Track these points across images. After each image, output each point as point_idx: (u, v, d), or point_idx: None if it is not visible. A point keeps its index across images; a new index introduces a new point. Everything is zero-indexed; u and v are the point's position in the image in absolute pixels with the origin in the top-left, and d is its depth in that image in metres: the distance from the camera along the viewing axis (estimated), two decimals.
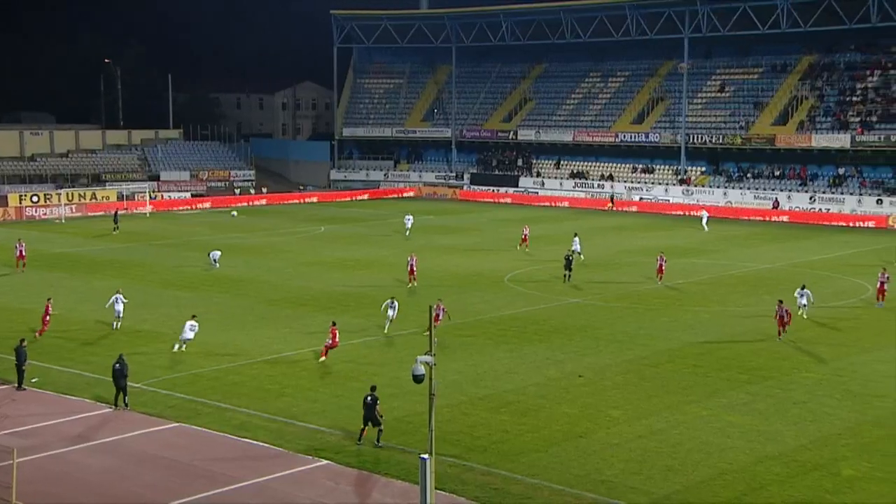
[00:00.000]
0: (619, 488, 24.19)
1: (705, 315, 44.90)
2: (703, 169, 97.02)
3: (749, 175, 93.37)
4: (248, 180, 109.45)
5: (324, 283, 52.56)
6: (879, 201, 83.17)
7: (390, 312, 40.31)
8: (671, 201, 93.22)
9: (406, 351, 37.02)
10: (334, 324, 36.65)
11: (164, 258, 61.51)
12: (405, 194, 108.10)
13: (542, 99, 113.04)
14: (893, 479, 24.68)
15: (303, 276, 55.20)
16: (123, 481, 24.92)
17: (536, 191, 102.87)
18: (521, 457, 26.48)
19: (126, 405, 30.36)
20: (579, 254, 58.19)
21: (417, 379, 17.35)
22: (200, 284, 52.21)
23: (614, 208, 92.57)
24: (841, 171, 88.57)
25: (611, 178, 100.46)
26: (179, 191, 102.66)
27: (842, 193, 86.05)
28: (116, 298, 41.18)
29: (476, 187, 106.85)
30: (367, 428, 27.01)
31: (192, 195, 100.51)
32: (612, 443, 27.52)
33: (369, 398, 26.91)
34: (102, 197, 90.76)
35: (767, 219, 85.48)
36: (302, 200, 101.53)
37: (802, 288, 43.66)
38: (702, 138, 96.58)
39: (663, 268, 52.03)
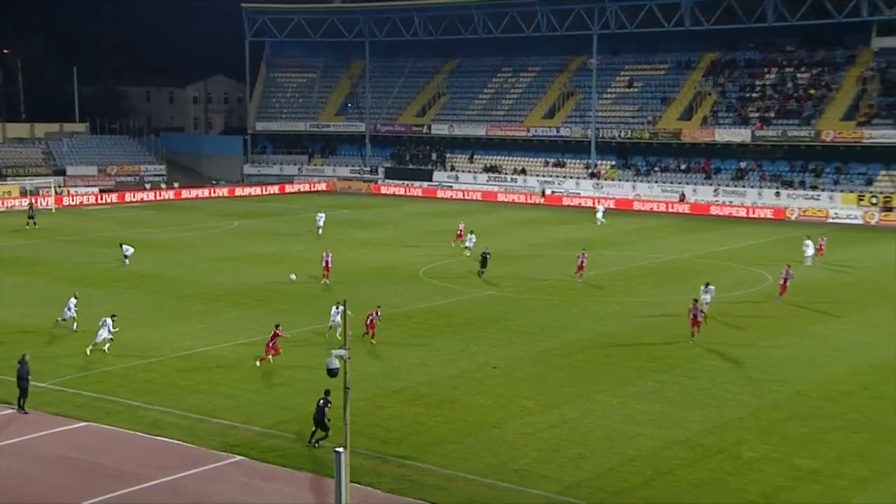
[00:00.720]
0: (532, 477, 24.48)
1: (615, 306, 45.64)
2: (613, 163, 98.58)
3: (657, 169, 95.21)
4: (158, 175, 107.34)
5: (237, 279, 51.90)
6: (777, 194, 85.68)
7: (335, 318, 38.14)
8: (582, 194, 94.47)
9: (321, 347, 36.80)
10: (277, 326, 35.11)
11: (72, 255, 59.96)
12: (318, 188, 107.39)
13: (455, 94, 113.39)
14: (789, 460, 25.50)
15: (216, 271, 54.42)
16: (31, 483, 24.26)
17: (450, 185, 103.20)
18: (436, 448, 26.59)
19: (23, 408, 29.36)
20: (467, 248, 58.62)
21: (332, 373, 17.26)
22: (110, 281, 51.04)
23: (544, 202, 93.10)
24: (742, 164, 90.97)
25: (523, 171, 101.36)
26: (87, 186, 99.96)
27: (743, 186, 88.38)
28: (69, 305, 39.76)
29: (390, 181, 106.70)
30: (325, 433, 26.33)
31: (101, 190, 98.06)
32: (526, 432, 27.81)
33: (321, 401, 26.32)
34: (4, 192, 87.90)
35: (674, 211, 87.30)
36: (214, 195, 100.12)
37: (707, 285, 43.22)
38: (611, 133, 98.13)
39: (584, 265, 51.71)
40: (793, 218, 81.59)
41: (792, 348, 37.32)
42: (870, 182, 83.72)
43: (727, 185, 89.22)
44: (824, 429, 28.03)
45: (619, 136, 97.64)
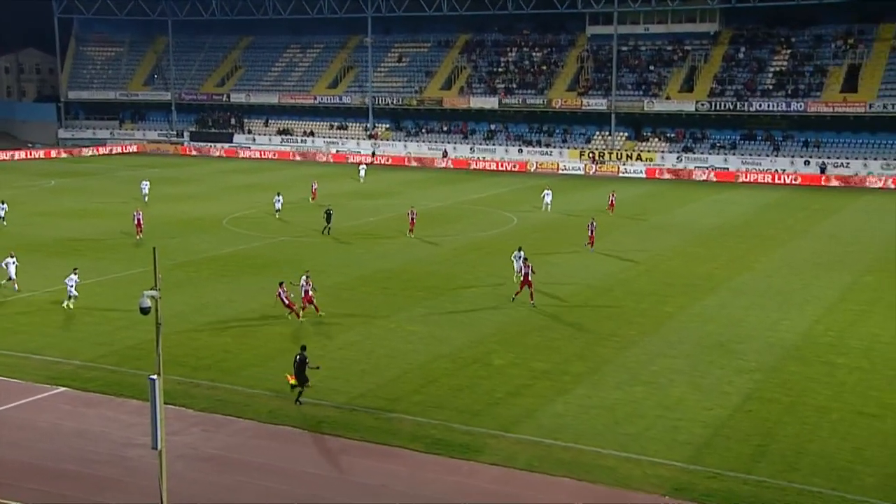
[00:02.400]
0: (324, 391, 24.55)
1: (392, 246, 46.09)
2: (388, 125, 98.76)
3: (424, 130, 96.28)
4: None
5: (56, 232, 48.31)
6: (520, 151, 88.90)
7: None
8: (362, 153, 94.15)
9: (134, 288, 35.03)
10: (281, 284, 31.55)
11: None
12: (130, 150, 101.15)
13: (250, 67, 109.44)
14: (528, 364, 26.93)
15: (35, 224, 50.39)
16: None
17: (249, 146, 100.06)
18: (242, 371, 26.13)
19: None
20: (277, 210, 54.21)
21: (144, 311, 16.41)
22: None
23: (374, 161, 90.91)
24: (492, 126, 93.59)
25: (312, 134, 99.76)
26: None
27: (493, 145, 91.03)
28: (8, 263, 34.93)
29: (195, 143, 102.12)
30: (302, 388, 23.33)
31: None
32: (318, 354, 27.73)
33: (298, 357, 23.29)
34: None
35: (438, 166, 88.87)
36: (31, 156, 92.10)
37: (519, 250, 37.62)
38: (385, 100, 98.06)
39: (414, 220, 48.24)
40: (532, 170, 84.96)
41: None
42: (588, 141, 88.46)
43: (480, 144, 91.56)
44: (554, 337, 29.73)
45: (392, 103, 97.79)
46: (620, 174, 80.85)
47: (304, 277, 32.06)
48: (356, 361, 27.13)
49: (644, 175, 79.92)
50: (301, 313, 31.35)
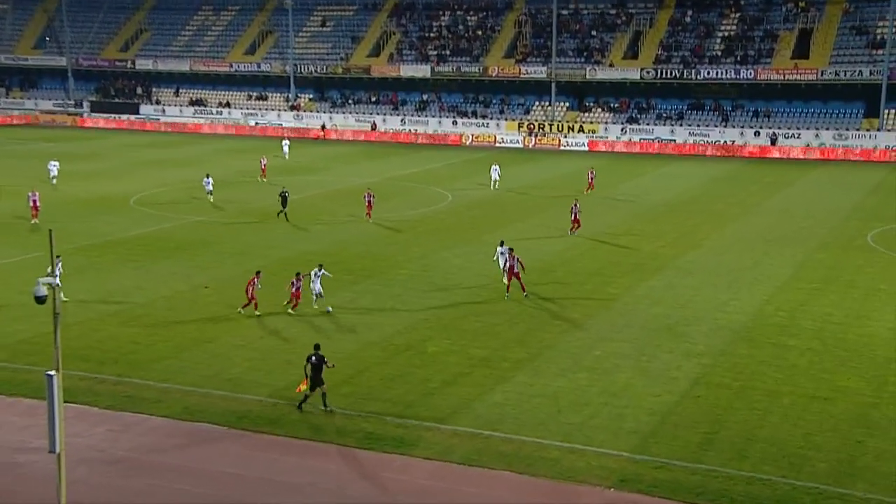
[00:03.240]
0: (245, 383, 24.31)
1: (317, 226, 45.74)
2: (311, 96, 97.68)
3: (350, 101, 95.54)
4: None
5: None
6: (455, 122, 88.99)
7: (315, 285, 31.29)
8: (284, 125, 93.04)
9: (29, 275, 33.97)
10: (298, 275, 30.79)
11: None
12: (18, 122, 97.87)
13: (157, 30, 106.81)
14: (466, 351, 27.09)
15: None
16: None
17: (158, 117, 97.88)
18: (153, 364, 25.67)
19: None
20: (210, 194, 51.46)
21: (39, 300, 15.91)
22: None
23: (325, 135, 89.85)
24: (424, 96, 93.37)
25: (228, 105, 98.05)
26: None
27: (426, 116, 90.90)
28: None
29: (96, 115, 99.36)
30: (311, 392, 22.34)
31: None
32: (238, 344, 27.48)
33: (314, 358, 22.24)
34: None
35: (367, 139, 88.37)
36: None
37: (501, 244, 35.64)
38: (308, 68, 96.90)
39: (372, 203, 46.64)
40: (467, 144, 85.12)
41: (468, 256, 39.25)
42: (527, 112, 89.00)
43: (412, 116, 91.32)
44: (493, 322, 29.94)
45: (316, 71, 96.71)
46: (562, 147, 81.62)
47: (315, 272, 31.18)
48: (279, 351, 26.91)
49: (587, 148, 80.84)
50: (256, 307, 30.25)
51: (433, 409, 22.68)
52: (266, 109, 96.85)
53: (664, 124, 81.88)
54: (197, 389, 23.89)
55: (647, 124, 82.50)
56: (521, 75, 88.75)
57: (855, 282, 34.60)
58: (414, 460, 20.13)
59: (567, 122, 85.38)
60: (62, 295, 31.07)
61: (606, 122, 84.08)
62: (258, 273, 31.02)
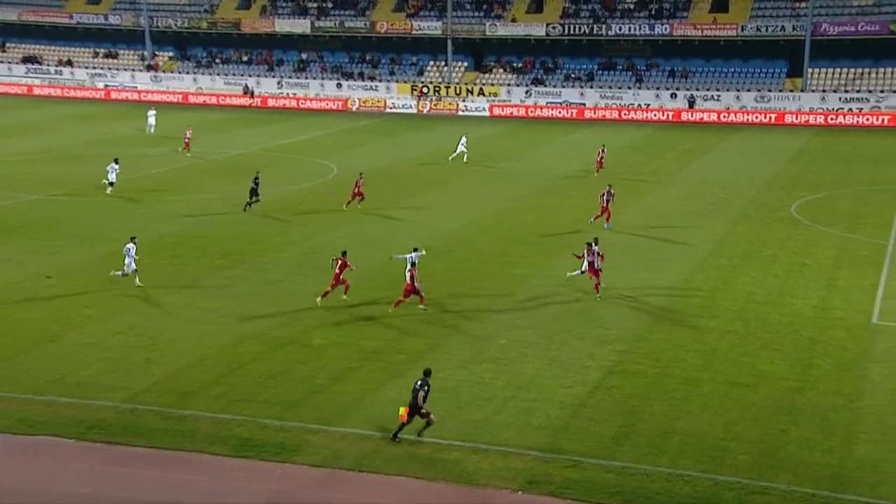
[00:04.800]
0: (97, 388, 23.69)
1: (181, 204, 44.83)
2: (171, 54, 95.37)
3: (218, 61, 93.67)
4: None
5: None
6: (339, 85, 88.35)
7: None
8: (139, 88, 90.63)
9: None
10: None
11: None
12: None
13: None
14: (356, 343, 27.08)
15: None
16: None
17: None
18: None
19: None
20: (109, 184, 47.24)
21: None
22: None
23: (254, 103, 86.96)
24: (304, 55, 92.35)
25: (69, 63, 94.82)
26: None
27: (306, 78, 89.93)
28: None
29: None
30: (410, 422, 21.07)
31: None
32: (87, 342, 26.75)
33: (420, 385, 21.05)
34: None
35: (239, 104, 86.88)
36: None
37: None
38: (166, 21, 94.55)
39: (361, 191, 44.21)
40: (354, 109, 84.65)
41: (358, 236, 39.12)
42: (421, 73, 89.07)
43: (290, 78, 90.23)
44: (386, 310, 29.93)
45: (176, 25, 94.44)
46: (460, 112, 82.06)
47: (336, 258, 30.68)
48: (138, 349, 26.33)
49: (487, 113, 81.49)
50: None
51: (319, 410, 22.59)
52: (117, 69, 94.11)
53: (573, 86, 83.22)
54: (37, 397, 23.15)
55: (554, 86, 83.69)
56: (413, 31, 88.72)
57: (777, 257, 35.98)
58: (298, 468, 20.03)
59: (465, 84, 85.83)
60: (137, 280, 31.48)
61: (509, 84, 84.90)
62: (344, 253, 30.46)
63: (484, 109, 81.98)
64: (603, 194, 40.98)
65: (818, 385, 24.21)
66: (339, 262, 30.33)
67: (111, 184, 46.58)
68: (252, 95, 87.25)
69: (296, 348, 26.64)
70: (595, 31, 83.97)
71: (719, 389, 23.92)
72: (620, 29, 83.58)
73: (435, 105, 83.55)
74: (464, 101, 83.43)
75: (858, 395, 23.51)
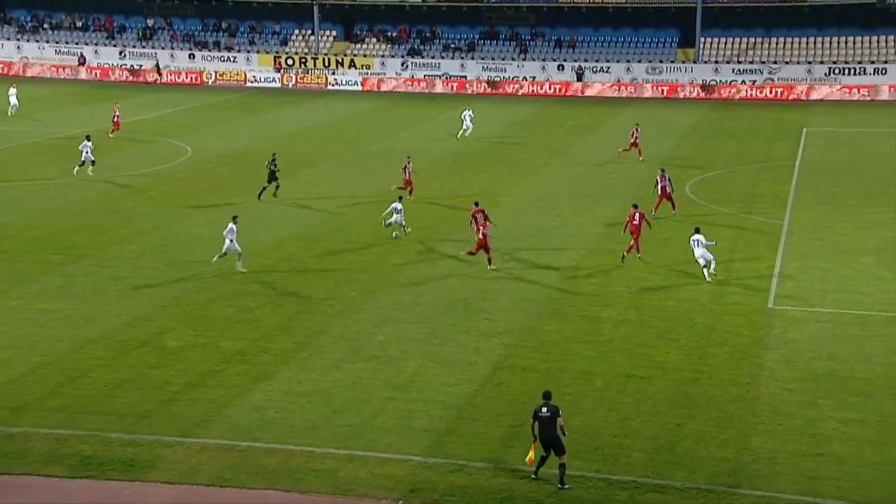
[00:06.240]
0: None
1: (8, 191, 43.59)
2: None
3: (46, 26, 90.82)
4: None
5: None
6: (192, 56, 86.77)
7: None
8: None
9: None
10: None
11: None
12: None
13: None
14: (216, 344, 26.78)
15: None
16: None
17: None
18: None
19: None
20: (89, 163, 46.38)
21: None
22: None
23: (161, 80, 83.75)
24: (150, 22, 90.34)
25: None
26: None
27: (153, 48, 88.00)
28: None
29: None
30: (548, 455, 19.82)
31: None
32: None
33: (544, 409, 19.72)
34: None
35: (74, 76, 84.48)
36: None
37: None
38: None
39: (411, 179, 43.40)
40: (210, 83, 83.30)
41: (217, 225, 38.42)
42: (284, 42, 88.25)
43: (134, 47, 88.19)
44: (250, 306, 29.71)
45: None
46: (329, 87, 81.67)
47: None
48: None
49: (360, 87, 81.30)
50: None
51: (175, 420, 22.28)
52: None
53: (452, 57, 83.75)
54: None
55: (433, 57, 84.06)
56: None
57: (673, 240, 37.01)
58: (151, 486, 19.72)
59: (335, 55, 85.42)
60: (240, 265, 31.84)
61: (383, 56, 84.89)
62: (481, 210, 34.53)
63: (356, 83, 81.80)
64: (657, 180, 40.21)
65: (714, 375, 25.07)
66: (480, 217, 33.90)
67: (91, 162, 45.90)
68: (159, 72, 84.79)
69: (147, 352, 26.17)
70: None
71: (614, 383, 24.54)
72: None
73: (301, 79, 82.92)
74: (333, 73, 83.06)
75: (754, 385, 24.46)
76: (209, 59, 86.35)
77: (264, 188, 42.74)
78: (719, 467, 20.40)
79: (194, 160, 50.78)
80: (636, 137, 52.13)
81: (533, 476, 19.79)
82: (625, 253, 34.14)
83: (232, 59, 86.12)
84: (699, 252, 32.40)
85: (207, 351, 26.33)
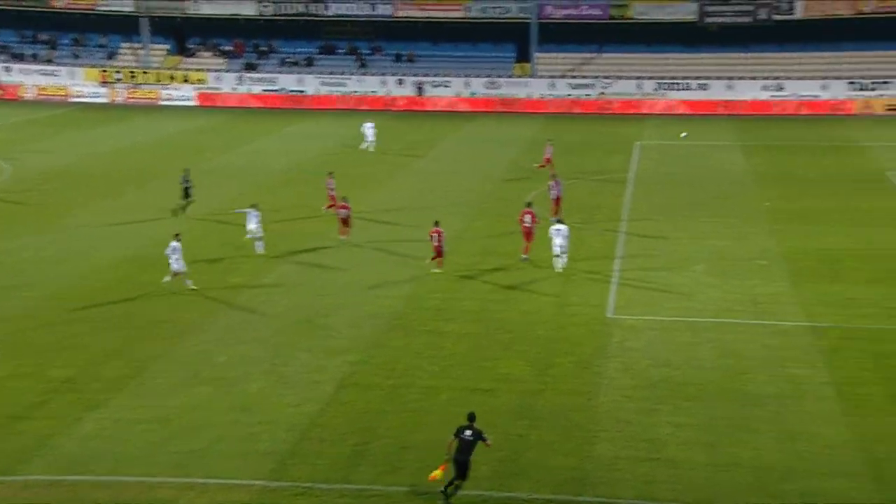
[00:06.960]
0: None
1: None
2: None
3: None
4: None
5: None
6: (8, 69, 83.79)
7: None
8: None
9: None
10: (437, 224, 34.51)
11: None
12: None
13: None
14: (42, 372, 25.94)
15: None
16: None
17: None
18: None
19: None
20: None
21: None
22: None
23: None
24: None
25: None
26: None
27: None
28: None
29: None
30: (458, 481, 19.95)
31: None
32: None
33: (467, 433, 19.85)
34: None
35: None
36: None
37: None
38: None
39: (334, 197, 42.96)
40: (28, 98, 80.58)
41: (44, 247, 37.35)
42: (112, 56, 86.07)
43: None
44: (78, 332, 28.84)
45: None
46: (162, 102, 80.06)
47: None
48: None
49: (195, 102, 79.97)
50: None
51: None
52: None
53: (290, 72, 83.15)
54: None
55: (270, 72, 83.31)
56: (99, 6, 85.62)
57: (516, 252, 37.59)
58: None
59: (167, 69, 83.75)
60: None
61: (218, 70, 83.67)
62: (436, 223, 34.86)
63: (190, 98, 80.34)
64: (551, 185, 42.58)
65: (557, 385, 25.58)
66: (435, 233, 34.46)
67: None
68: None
69: None
70: (312, 11, 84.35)
71: (458, 397, 24.73)
72: (340, 9, 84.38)
73: (132, 93, 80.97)
74: (166, 88, 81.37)
75: (595, 393, 25.08)
76: (27, 72, 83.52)
77: (183, 204, 42.22)
78: (563, 476, 20.84)
79: (15, 178, 48.98)
80: (550, 153, 52.97)
81: (442, 493, 19.85)
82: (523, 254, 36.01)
83: (54, 74, 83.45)
84: (559, 241, 34.19)
85: (31, 380, 25.46)
